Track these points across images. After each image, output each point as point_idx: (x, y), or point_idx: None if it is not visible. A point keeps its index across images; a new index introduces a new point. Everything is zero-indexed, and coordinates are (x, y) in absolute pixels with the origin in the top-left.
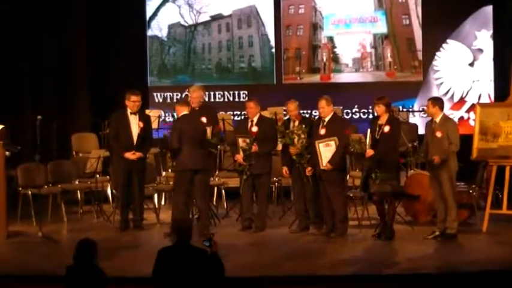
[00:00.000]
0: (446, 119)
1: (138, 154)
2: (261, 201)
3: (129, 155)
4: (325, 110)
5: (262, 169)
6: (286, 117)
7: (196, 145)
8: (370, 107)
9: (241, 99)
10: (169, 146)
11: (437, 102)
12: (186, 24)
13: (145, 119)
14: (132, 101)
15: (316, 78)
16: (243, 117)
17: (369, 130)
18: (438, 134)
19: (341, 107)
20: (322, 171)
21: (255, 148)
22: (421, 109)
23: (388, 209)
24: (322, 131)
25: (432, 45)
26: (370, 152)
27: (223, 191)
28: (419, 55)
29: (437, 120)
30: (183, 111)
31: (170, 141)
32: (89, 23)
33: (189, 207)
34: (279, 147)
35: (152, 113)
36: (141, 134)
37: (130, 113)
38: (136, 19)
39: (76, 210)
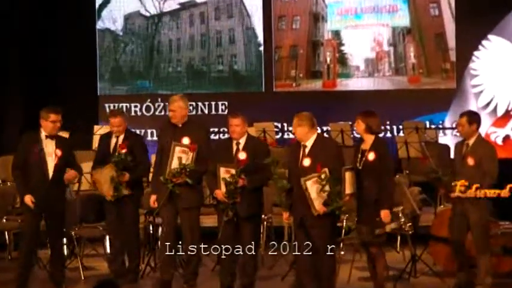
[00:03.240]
0: (481, 141)
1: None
2: (247, 250)
3: (29, 201)
4: (305, 132)
5: (250, 210)
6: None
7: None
8: (388, 122)
9: (220, 112)
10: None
11: (475, 118)
12: (148, 14)
13: (64, 144)
14: (52, 121)
15: (317, 84)
16: (222, 135)
17: None
18: (470, 162)
19: (349, 123)
20: (312, 217)
21: (242, 182)
22: (454, 125)
23: (375, 263)
24: (306, 162)
25: (468, 43)
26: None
27: None
28: (452, 55)
29: (471, 142)
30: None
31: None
32: (22, 12)
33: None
34: None
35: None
36: (59, 164)
37: (46, 137)
38: (84, 8)
39: (3, 256)
